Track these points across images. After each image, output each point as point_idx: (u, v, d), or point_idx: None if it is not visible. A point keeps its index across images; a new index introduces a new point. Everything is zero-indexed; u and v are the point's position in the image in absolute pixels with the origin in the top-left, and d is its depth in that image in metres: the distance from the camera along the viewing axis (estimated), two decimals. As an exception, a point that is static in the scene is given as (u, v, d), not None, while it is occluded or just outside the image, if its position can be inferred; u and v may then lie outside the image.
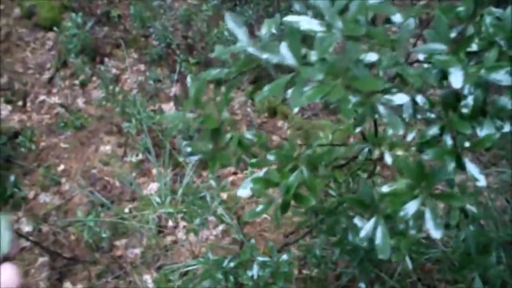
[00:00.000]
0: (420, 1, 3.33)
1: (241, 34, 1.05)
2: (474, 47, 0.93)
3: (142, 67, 3.58)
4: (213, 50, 3.42)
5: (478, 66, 0.91)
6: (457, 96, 0.97)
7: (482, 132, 0.96)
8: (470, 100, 0.94)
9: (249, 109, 3.21)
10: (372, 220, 1.06)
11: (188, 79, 1.14)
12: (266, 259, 1.87)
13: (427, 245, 1.89)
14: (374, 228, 1.04)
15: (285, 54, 0.94)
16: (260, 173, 1.15)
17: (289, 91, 0.93)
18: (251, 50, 1.01)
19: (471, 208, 1.36)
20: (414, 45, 1.09)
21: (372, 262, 1.92)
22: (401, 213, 0.95)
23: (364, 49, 0.94)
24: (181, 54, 3.44)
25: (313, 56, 0.90)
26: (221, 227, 2.58)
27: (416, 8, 1.01)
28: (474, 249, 1.46)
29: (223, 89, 1.16)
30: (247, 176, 2.81)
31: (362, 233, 1.05)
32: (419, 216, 0.96)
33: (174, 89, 3.35)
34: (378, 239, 1.03)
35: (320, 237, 2.02)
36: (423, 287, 2.15)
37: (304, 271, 2.29)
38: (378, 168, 1.70)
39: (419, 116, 1.04)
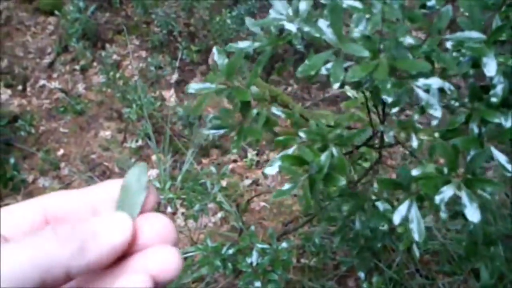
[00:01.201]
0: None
1: (280, 6, 1.03)
2: (503, 36, 0.93)
3: (143, 53, 3.57)
4: (215, 38, 3.41)
5: (505, 56, 0.91)
6: (484, 86, 0.97)
7: (507, 123, 0.95)
8: (499, 90, 0.94)
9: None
10: (406, 203, 1.04)
11: (214, 50, 1.11)
12: (266, 246, 1.87)
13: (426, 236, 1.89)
14: (409, 210, 1.03)
15: (325, 30, 0.93)
16: (289, 150, 1.11)
17: (324, 67, 0.92)
18: (288, 24, 0.99)
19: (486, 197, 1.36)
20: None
21: (371, 252, 1.92)
22: (438, 197, 0.94)
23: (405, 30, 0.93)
24: (183, 41, 3.43)
25: (356, 33, 0.89)
26: (220, 214, 2.58)
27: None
28: (481, 239, 1.46)
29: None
30: (247, 164, 2.81)
31: (397, 216, 1.04)
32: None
33: (175, 76, 3.34)
34: (414, 222, 1.02)
35: (321, 225, 2.02)
36: (421, 278, 2.15)
37: (302, 260, 2.30)
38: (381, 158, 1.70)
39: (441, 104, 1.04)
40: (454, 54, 0.98)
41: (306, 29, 0.97)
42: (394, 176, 2.29)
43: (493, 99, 0.96)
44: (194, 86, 1.11)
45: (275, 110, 1.21)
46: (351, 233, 1.82)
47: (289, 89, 3.15)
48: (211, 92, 1.09)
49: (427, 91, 0.99)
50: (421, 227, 1.03)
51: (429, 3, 0.99)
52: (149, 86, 3.26)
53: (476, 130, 1.00)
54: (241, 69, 1.15)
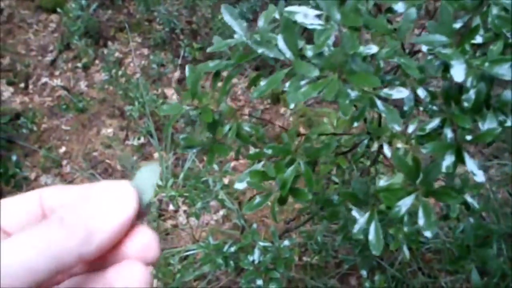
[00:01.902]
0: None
1: (237, 26, 1.03)
2: (479, 39, 0.91)
3: (145, 51, 3.56)
4: (218, 36, 3.39)
5: (482, 59, 0.89)
6: (460, 88, 0.95)
7: (484, 126, 0.94)
8: (472, 94, 0.92)
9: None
10: (366, 215, 1.05)
11: (187, 69, 1.13)
12: (268, 244, 1.87)
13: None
14: (368, 223, 1.03)
15: (282, 47, 0.92)
16: (258, 165, 1.14)
17: (287, 84, 0.92)
18: (249, 43, 1.00)
19: (471, 200, 1.35)
20: (419, 35, 1.07)
21: (373, 250, 1.92)
22: (395, 209, 0.94)
23: (365, 40, 0.92)
24: (185, 39, 3.43)
25: (309, 51, 0.89)
26: (221, 212, 2.58)
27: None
28: (472, 241, 1.46)
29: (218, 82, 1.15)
30: (249, 161, 2.81)
31: (356, 227, 1.05)
32: (414, 211, 0.95)
33: (177, 74, 3.34)
34: (371, 235, 1.02)
35: (322, 223, 2.01)
36: (423, 277, 2.15)
37: (304, 258, 2.30)
38: (381, 156, 1.70)
39: (420, 108, 1.03)
40: (429, 57, 0.97)
41: (260, 50, 0.97)
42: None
43: (466, 104, 0.94)
44: (165, 108, 1.15)
45: (246, 126, 1.24)
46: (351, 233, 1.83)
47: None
48: (180, 112, 1.12)
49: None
50: (380, 240, 1.03)
51: (395, 7, 0.97)
52: (151, 84, 3.26)
53: (450, 135, 0.98)
54: (214, 85, 1.16)
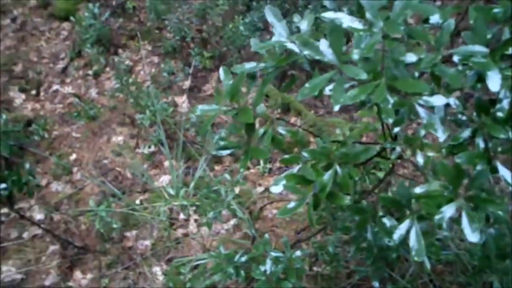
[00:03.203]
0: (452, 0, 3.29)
1: (281, 28, 1.04)
2: (510, 50, 0.92)
3: (156, 59, 3.58)
4: (227, 45, 3.41)
5: None
6: (491, 99, 0.96)
7: None
8: (505, 104, 0.93)
9: (262, 105, 3.20)
10: (407, 221, 1.05)
11: (221, 71, 1.13)
12: (279, 254, 1.87)
13: (440, 247, 1.88)
14: (408, 229, 1.03)
15: (325, 51, 0.93)
16: (293, 169, 1.14)
17: (327, 88, 0.93)
18: (290, 45, 1.00)
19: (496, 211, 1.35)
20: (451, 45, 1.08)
21: (385, 261, 1.91)
22: (437, 216, 0.94)
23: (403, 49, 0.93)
24: (195, 47, 3.44)
25: (355, 54, 0.89)
26: (233, 222, 2.58)
27: (449, 8, 1.00)
28: (494, 252, 1.45)
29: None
30: (260, 171, 2.81)
31: (396, 234, 1.04)
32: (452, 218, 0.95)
33: (188, 82, 3.35)
34: (413, 241, 1.02)
35: (335, 234, 2.01)
36: (435, 288, 2.14)
37: (315, 268, 2.29)
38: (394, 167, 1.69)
39: (449, 118, 1.03)
40: (461, 68, 0.98)
41: (306, 52, 0.98)
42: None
43: (499, 114, 0.95)
44: (201, 108, 1.14)
45: (281, 129, 1.23)
46: (365, 243, 1.82)
47: (302, 96, 3.14)
48: (217, 113, 1.12)
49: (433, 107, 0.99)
50: (421, 246, 1.03)
51: (432, 18, 0.98)
52: (161, 92, 3.27)
53: (482, 145, 0.99)
54: (249, 87, 1.16)
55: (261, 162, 2.75)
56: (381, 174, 1.93)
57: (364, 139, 2.90)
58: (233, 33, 3.35)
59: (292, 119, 3.09)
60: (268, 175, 2.80)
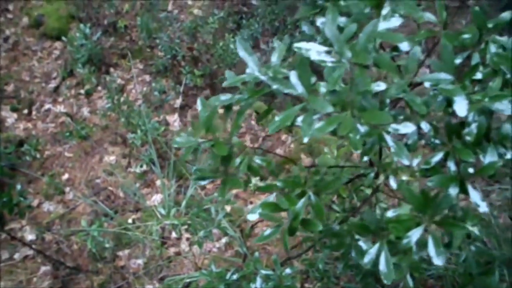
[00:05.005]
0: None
1: (252, 62, 1.07)
2: (478, 75, 0.95)
3: (147, 77, 3.61)
4: (218, 63, 3.43)
5: (482, 94, 0.93)
6: (461, 123, 0.99)
7: (485, 159, 0.98)
8: (474, 128, 0.96)
9: (253, 122, 3.24)
10: (376, 246, 1.07)
11: (198, 103, 1.16)
12: (270, 272, 1.88)
13: (429, 262, 1.91)
14: (378, 253, 1.06)
15: (295, 83, 0.96)
16: (269, 197, 1.17)
17: (299, 118, 0.95)
18: (262, 78, 1.03)
19: (472, 229, 1.38)
20: (418, 69, 1.11)
21: (375, 277, 1.92)
22: (405, 240, 0.97)
23: (372, 76, 0.95)
24: (186, 65, 3.47)
25: (323, 87, 0.92)
26: (224, 240, 2.59)
27: (422, 32, 1.03)
28: (475, 269, 1.47)
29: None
30: (251, 189, 2.83)
31: (367, 258, 1.07)
32: (421, 241, 0.98)
33: (179, 101, 3.38)
34: (382, 265, 1.05)
35: (324, 251, 2.02)
36: (425, 304, 2.15)
37: (306, 285, 2.30)
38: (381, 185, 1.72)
39: (423, 142, 1.06)
40: (432, 93, 1.01)
41: (275, 86, 1.01)
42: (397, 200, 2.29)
43: (468, 138, 0.98)
44: (178, 140, 1.18)
45: (256, 159, 1.27)
46: (353, 260, 1.84)
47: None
48: (194, 145, 1.16)
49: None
50: (390, 270, 1.06)
51: (401, 46, 1.01)
52: (153, 111, 3.30)
53: (453, 168, 1.02)
54: (226, 119, 1.19)
55: (252, 180, 2.76)
56: (369, 191, 1.95)
57: (355, 155, 2.93)
58: (224, 51, 3.39)
59: (283, 136, 3.11)
60: (259, 193, 2.82)
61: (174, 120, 3.28)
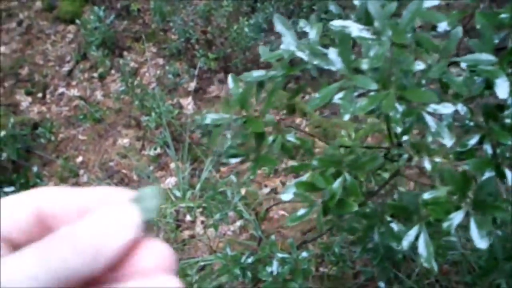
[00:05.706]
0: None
1: (290, 37, 1.04)
2: None
3: (160, 61, 3.59)
4: (232, 46, 3.40)
5: None
6: (499, 106, 0.96)
7: None
8: None
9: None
10: (415, 228, 1.05)
11: (229, 79, 1.14)
12: (286, 255, 1.87)
13: (447, 247, 1.89)
14: (417, 236, 1.04)
15: (335, 60, 0.94)
16: (303, 177, 1.15)
17: (336, 96, 0.93)
18: (300, 54, 1.01)
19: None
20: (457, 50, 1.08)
21: (392, 262, 1.91)
22: (446, 223, 0.95)
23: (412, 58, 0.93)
24: (200, 49, 3.45)
25: (365, 64, 0.90)
26: (239, 223, 2.58)
27: (454, 13, 1.00)
28: (501, 255, 1.45)
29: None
30: (265, 172, 2.82)
31: (406, 241, 1.05)
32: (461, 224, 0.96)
33: (193, 84, 3.36)
34: (421, 248, 1.03)
35: (341, 235, 2.01)
36: (441, 288, 2.14)
37: (321, 269, 2.30)
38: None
39: (457, 124, 1.04)
40: (469, 75, 0.98)
41: (315, 62, 0.98)
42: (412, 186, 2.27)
43: (507, 120, 0.96)
44: (210, 117, 1.15)
45: (290, 137, 1.24)
46: (371, 243, 1.83)
47: (307, 97, 3.15)
48: (228, 122, 1.12)
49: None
50: (430, 252, 1.04)
51: (440, 26, 0.99)
52: (167, 94, 3.29)
53: (490, 151, 0.99)
54: (257, 96, 1.17)
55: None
56: (386, 175, 1.93)
57: (369, 139, 2.91)
58: (238, 34, 3.36)
59: (297, 120, 3.09)
60: (274, 176, 2.81)
61: (188, 103, 3.27)
